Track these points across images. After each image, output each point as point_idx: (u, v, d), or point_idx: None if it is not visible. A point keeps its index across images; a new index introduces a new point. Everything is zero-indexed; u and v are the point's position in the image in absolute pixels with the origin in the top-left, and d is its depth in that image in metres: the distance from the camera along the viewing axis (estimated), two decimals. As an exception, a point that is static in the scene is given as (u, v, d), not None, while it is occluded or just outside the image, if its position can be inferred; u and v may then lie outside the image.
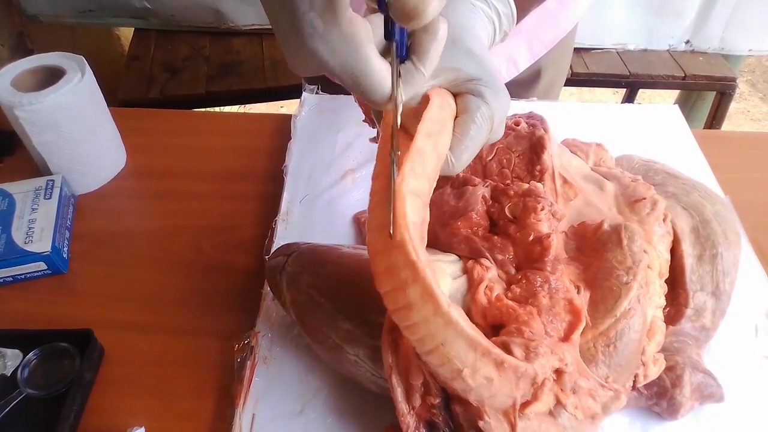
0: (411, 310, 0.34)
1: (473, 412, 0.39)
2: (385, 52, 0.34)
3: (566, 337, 0.41)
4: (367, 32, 0.33)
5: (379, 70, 0.33)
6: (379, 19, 0.33)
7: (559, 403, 0.40)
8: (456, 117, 0.38)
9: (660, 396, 0.47)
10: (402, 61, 0.34)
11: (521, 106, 0.77)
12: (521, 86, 0.83)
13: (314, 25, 0.31)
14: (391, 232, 0.32)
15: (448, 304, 0.34)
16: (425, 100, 0.37)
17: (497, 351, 0.37)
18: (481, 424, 0.38)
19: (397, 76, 0.34)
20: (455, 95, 0.39)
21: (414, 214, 0.34)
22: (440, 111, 0.37)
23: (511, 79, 0.80)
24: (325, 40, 0.32)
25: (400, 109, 0.35)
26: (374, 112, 0.47)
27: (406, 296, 0.34)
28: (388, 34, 0.33)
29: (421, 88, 0.37)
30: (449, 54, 0.37)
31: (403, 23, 0.30)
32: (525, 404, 0.39)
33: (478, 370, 0.36)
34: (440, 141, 0.36)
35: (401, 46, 0.34)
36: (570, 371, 0.40)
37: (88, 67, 0.66)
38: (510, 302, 0.42)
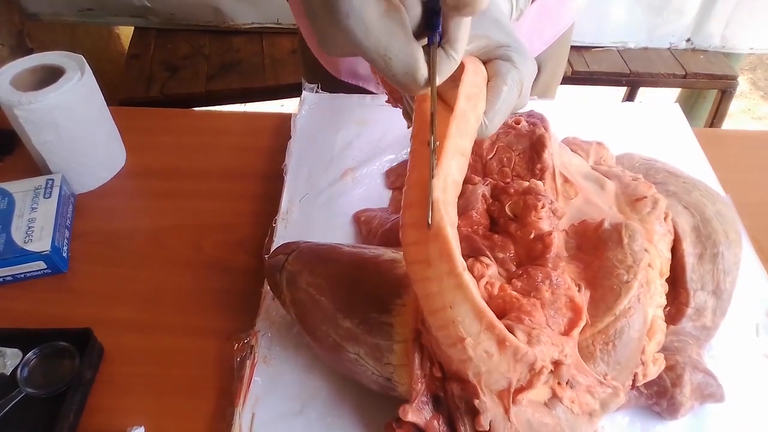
0: (428, 265, 0.35)
1: (470, 391, 0.39)
2: (417, 37, 0.34)
3: (566, 333, 0.41)
4: (402, 14, 0.32)
5: (413, 53, 0.33)
6: (413, 2, 0.33)
7: (555, 395, 0.40)
8: (488, 81, 0.39)
9: (660, 395, 0.46)
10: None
11: (522, 105, 0.77)
12: None
13: (352, 4, 0.31)
14: (429, 222, 0.33)
15: (464, 268, 0.35)
16: (461, 66, 0.37)
17: (501, 327, 0.37)
18: (476, 402, 0.38)
19: (435, 65, 0.34)
20: (485, 62, 0.40)
21: (458, 172, 0.35)
22: (475, 75, 0.38)
23: None
24: (363, 19, 0.31)
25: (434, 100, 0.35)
26: (406, 100, 0.47)
27: (426, 251, 0.34)
28: (429, 23, 0.33)
29: (449, 72, 0.36)
30: (478, 23, 0.38)
31: (456, 11, 0.30)
32: (519, 390, 0.39)
33: (480, 343, 0.37)
34: (479, 103, 0.37)
35: (438, 33, 0.34)
36: (568, 363, 0.40)
37: (87, 67, 0.66)
38: (514, 293, 0.42)
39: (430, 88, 0.34)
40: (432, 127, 0.34)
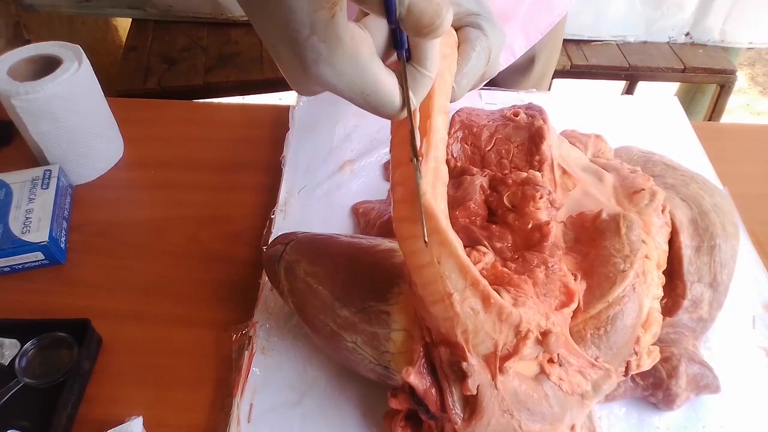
0: (414, 222, 0.35)
1: (458, 353, 0.39)
2: (384, 56, 0.33)
3: (557, 309, 0.41)
4: (369, 46, 0.31)
5: (388, 84, 0.32)
6: (374, 22, 0.32)
7: (543, 371, 0.40)
8: (457, 47, 0.39)
9: (656, 387, 0.47)
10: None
11: (520, 98, 0.77)
12: (516, 72, 0.84)
13: (318, 51, 0.29)
14: (426, 240, 0.34)
15: (448, 225, 0.35)
16: None
17: (485, 284, 0.37)
18: (464, 365, 0.38)
19: (406, 81, 0.33)
20: (455, 29, 0.40)
21: (443, 129, 0.36)
22: (447, 38, 0.38)
23: (507, 65, 0.80)
24: (331, 63, 0.30)
25: (417, 119, 0.35)
26: None
27: (412, 208, 0.35)
28: (397, 43, 0.32)
29: (427, 90, 0.36)
30: None
31: (417, 36, 0.29)
32: (506, 356, 0.39)
33: (466, 299, 0.37)
34: (452, 65, 0.38)
35: (406, 51, 0.33)
36: (556, 332, 0.40)
37: (85, 57, 0.65)
38: (505, 269, 0.42)
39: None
40: (413, 145, 0.34)
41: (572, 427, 0.43)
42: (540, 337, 0.40)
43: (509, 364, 0.39)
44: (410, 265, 0.38)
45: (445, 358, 0.39)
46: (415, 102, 0.34)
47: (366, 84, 0.31)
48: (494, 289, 0.38)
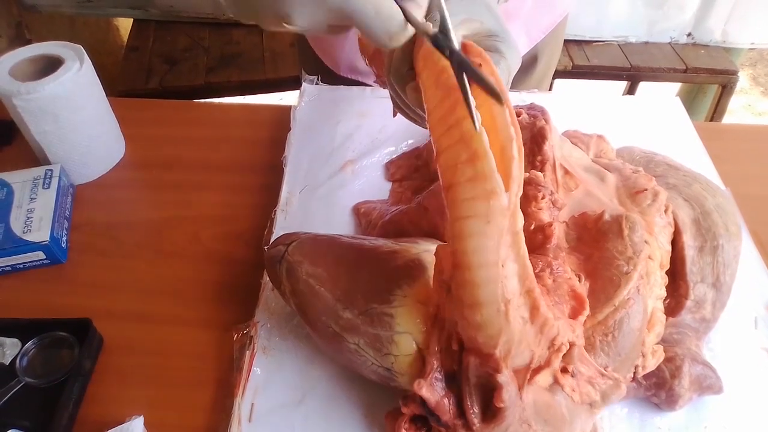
0: (487, 222, 0.34)
1: (492, 365, 0.37)
2: None
3: (572, 318, 0.41)
4: None
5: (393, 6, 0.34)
6: None
7: (557, 382, 0.40)
8: None
9: (659, 387, 0.47)
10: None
11: (522, 98, 0.77)
12: (518, 72, 0.84)
13: None
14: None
15: (522, 224, 0.35)
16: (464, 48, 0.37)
17: (539, 292, 0.37)
18: (498, 377, 0.37)
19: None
20: None
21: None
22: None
23: None
24: None
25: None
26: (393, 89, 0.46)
27: (488, 205, 0.34)
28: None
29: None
30: (471, 6, 0.40)
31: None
32: (538, 369, 0.39)
33: (519, 307, 0.36)
34: None
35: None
36: (580, 345, 0.40)
37: (86, 57, 0.66)
38: None
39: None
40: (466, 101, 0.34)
41: None
42: (568, 348, 0.40)
43: (539, 377, 0.39)
44: (464, 257, 0.35)
45: (473, 366, 0.39)
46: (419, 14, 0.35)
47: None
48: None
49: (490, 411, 0.39)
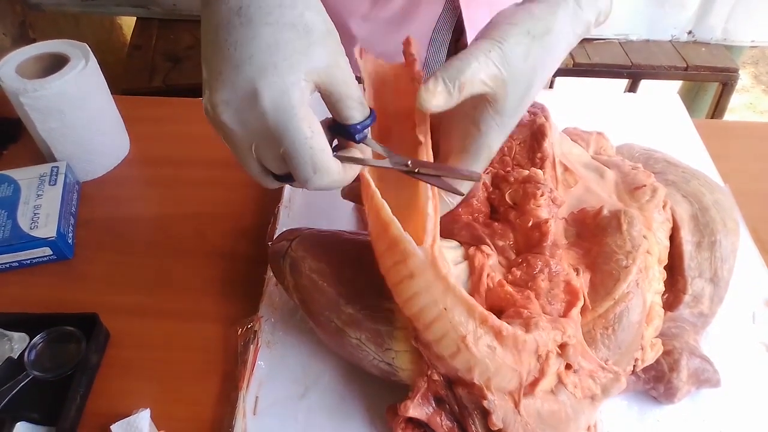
0: (412, 278, 0.37)
1: (476, 393, 0.39)
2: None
3: (564, 315, 0.42)
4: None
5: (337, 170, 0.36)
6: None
7: (560, 381, 0.41)
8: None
9: (657, 380, 0.47)
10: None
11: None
12: None
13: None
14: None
15: (447, 270, 0.37)
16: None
17: (494, 318, 0.38)
18: (485, 403, 0.39)
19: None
20: None
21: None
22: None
23: None
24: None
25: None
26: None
27: (407, 267, 0.37)
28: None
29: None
30: (523, 72, 0.38)
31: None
32: (533, 383, 0.40)
33: (480, 338, 0.38)
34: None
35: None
36: (573, 344, 0.41)
37: (92, 55, 0.66)
38: (508, 288, 0.42)
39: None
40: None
41: (588, 428, 0.44)
42: (559, 351, 0.41)
43: (539, 387, 0.40)
44: (419, 324, 0.39)
45: (464, 396, 0.40)
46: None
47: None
48: (505, 320, 0.39)
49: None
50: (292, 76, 0.33)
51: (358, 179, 0.39)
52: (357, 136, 0.37)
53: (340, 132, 0.37)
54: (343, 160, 0.37)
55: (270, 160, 0.36)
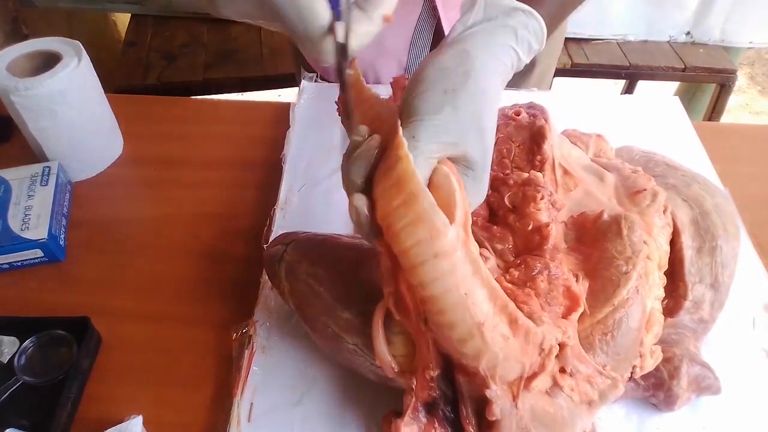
0: (437, 259, 0.34)
1: (479, 382, 0.38)
2: None
3: (564, 317, 0.41)
4: None
5: (322, 6, 0.34)
6: None
7: (556, 384, 0.40)
8: None
9: (657, 387, 0.47)
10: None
11: (522, 96, 0.77)
12: (517, 74, 0.83)
13: None
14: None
15: (478, 250, 0.35)
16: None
17: (513, 306, 0.37)
18: (487, 392, 0.38)
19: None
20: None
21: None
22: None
23: None
24: None
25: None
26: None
27: (432, 246, 0.33)
28: None
29: (369, 35, 0.36)
30: (465, 129, 0.36)
31: None
32: (532, 376, 0.39)
33: (496, 325, 0.36)
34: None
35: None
36: (572, 345, 0.40)
37: (84, 53, 0.65)
38: (508, 284, 0.42)
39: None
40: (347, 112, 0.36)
41: None
42: (558, 350, 0.40)
43: (536, 383, 0.39)
44: (436, 308, 0.36)
45: (464, 383, 0.39)
46: (354, 45, 0.35)
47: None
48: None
49: (485, 423, 0.39)
50: None
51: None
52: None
53: None
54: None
55: None
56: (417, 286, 0.36)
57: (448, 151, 0.36)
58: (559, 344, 0.40)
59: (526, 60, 0.42)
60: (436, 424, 0.41)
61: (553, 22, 0.43)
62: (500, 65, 0.40)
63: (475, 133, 0.37)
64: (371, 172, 0.36)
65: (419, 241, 0.34)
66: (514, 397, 0.39)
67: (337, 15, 0.34)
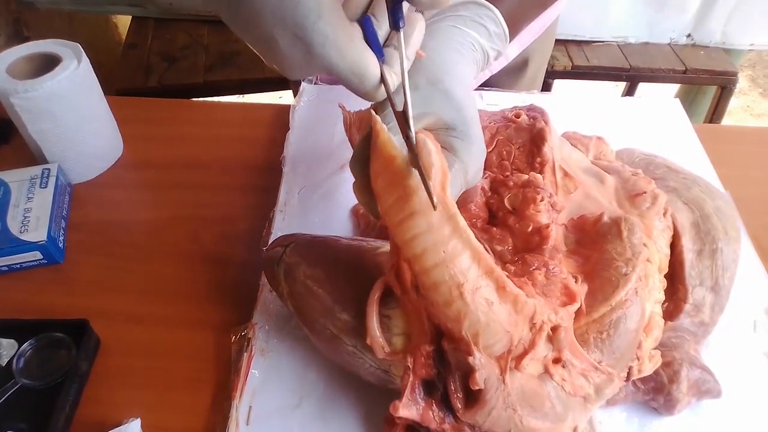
0: (416, 216, 0.35)
1: (462, 349, 0.38)
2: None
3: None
4: (357, 29, 0.35)
5: (372, 62, 0.35)
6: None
7: (546, 371, 0.40)
8: None
9: (657, 391, 0.46)
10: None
11: (522, 99, 0.77)
12: (510, 74, 0.83)
13: (326, 34, 0.33)
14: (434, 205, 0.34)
15: (456, 211, 0.36)
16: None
17: (500, 272, 0.37)
18: (470, 359, 0.37)
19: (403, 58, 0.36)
20: None
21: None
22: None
23: (501, 68, 0.80)
24: (337, 45, 0.33)
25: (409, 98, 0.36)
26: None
27: (412, 204, 0.35)
28: (395, 24, 0.35)
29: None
30: (429, 96, 0.38)
31: (424, 8, 0.34)
32: (522, 354, 0.39)
33: (479, 288, 0.36)
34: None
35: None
36: (566, 327, 0.40)
37: (84, 55, 0.65)
38: (505, 272, 0.41)
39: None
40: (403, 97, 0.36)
41: (575, 429, 0.43)
42: (551, 333, 0.40)
43: (526, 361, 0.39)
44: (419, 268, 0.37)
45: (450, 351, 0.39)
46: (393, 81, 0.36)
47: (362, 62, 0.34)
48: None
49: (472, 395, 0.39)
50: None
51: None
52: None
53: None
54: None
55: None
56: (401, 247, 0.37)
57: (422, 122, 0.38)
58: (552, 328, 0.39)
59: (489, 42, 0.45)
60: (434, 406, 0.40)
61: (513, 22, 0.46)
62: (454, 43, 0.42)
63: (439, 96, 0.39)
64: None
65: (396, 200, 0.36)
66: (503, 371, 0.38)
67: (381, 60, 0.36)
